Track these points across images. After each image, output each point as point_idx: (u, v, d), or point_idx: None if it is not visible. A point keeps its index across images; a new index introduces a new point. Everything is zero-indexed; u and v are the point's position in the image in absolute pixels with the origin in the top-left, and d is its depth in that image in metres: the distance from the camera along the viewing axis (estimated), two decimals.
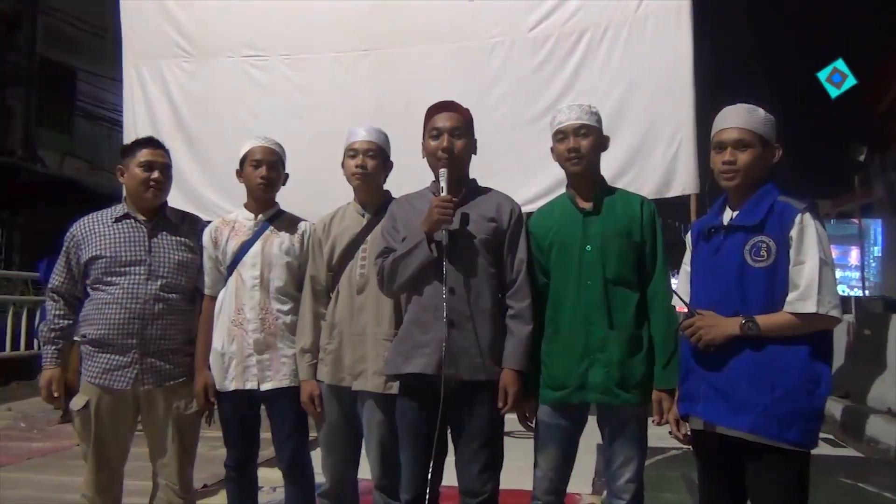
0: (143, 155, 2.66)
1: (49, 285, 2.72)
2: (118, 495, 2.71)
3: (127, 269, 2.60)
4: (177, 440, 2.64)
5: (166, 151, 2.75)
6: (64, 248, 2.69)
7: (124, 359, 2.58)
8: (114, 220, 2.67)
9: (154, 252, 2.64)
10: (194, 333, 2.75)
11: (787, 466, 2.01)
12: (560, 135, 2.45)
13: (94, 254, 2.61)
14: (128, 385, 2.58)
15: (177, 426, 2.65)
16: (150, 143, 2.73)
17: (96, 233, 2.64)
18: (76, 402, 2.63)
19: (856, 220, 14.57)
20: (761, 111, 2.18)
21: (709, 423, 2.12)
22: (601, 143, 2.47)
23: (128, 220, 2.67)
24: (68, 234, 2.70)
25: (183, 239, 2.73)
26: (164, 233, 2.70)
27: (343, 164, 2.71)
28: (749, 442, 2.03)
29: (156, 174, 2.66)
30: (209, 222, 2.91)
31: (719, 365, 2.09)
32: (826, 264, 2.00)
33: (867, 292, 12.91)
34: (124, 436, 2.67)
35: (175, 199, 5.29)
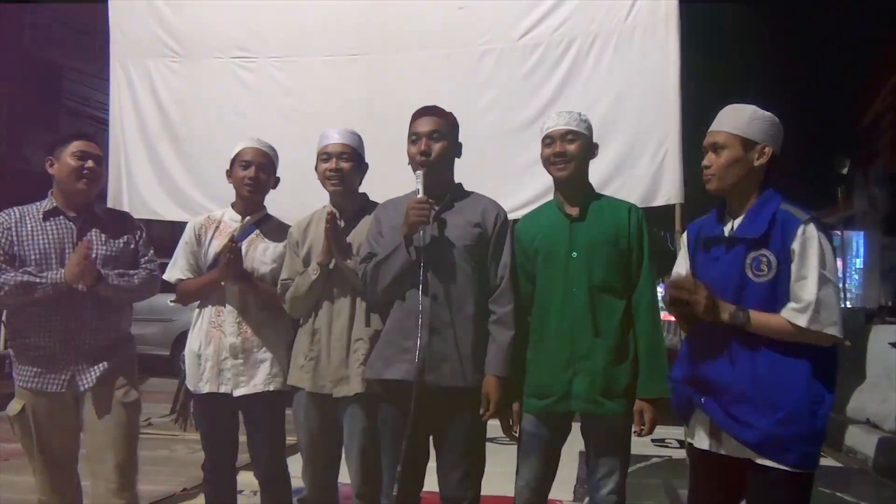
0: (77, 146, 2.60)
1: None
2: (76, 496, 2.65)
3: (56, 270, 2.49)
4: (113, 433, 2.52)
5: (99, 146, 2.68)
6: None
7: (57, 363, 2.51)
8: (42, 215, 2.58)
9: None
10: (127, 328, 2.69)
11: (788, 485, 1.94)
12: (548, 139, 2.45)
13: (22, 254, 2.51)
14: (62, 388, 2.51)
15: (115, 416, 2.54)
16: (84, 136, 2.68)
17: (26, 229, 2.54)
18: (12, 408, 2.55)
19: (838, 232, 14.69)
20: (748, 110, 2.07)
21: (715, 424, 2.03)
22: (589, 149, 2.47)
23: (57, 218, 2.59)
24: None
25: (113, 234, 2.64)
26: (94, 230, 2.62)
27: (316, 168, 2.66)
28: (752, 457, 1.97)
29: (90, 163, 2.59)
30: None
31: (720, 385, 2.02)
32: (828, 281, 1.92)
33: (848, 304, 13.04)
34: (69, 435, 2.60)
35: (160, 199, 5.31)
